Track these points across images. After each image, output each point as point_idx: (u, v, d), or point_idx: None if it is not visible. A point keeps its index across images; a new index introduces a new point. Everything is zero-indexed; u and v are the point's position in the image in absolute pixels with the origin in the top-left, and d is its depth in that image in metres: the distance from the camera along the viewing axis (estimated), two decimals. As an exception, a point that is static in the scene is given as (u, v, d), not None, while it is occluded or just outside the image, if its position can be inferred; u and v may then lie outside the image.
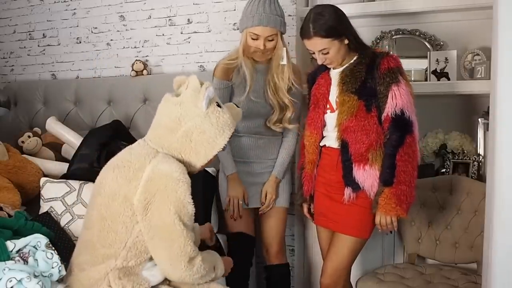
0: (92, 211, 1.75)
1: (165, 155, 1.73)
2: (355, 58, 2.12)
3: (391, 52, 2.19)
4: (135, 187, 1.66)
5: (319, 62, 2.12)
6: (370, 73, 2.05)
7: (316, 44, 2.05)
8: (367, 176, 2.05)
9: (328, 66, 2.16)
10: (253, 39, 2.26)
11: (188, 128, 1.74)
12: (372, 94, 2.04)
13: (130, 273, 1.70)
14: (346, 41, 2.07)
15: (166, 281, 1.83)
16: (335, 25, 2.03)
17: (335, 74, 2.16)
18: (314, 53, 2.10)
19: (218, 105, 1.80)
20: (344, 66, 2.13)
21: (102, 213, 1.69)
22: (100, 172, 1.81)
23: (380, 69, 2.03)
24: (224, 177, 2.48)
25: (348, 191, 2.09)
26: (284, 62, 2.30)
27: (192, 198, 1.74)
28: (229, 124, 1.81)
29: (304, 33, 2.07)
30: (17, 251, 1.72)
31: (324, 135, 2.20)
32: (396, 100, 1.99)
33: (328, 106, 2.17)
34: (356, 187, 2.07)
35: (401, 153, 1.99)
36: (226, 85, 2.36)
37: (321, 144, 2.21)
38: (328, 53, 2.06)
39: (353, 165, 2.07)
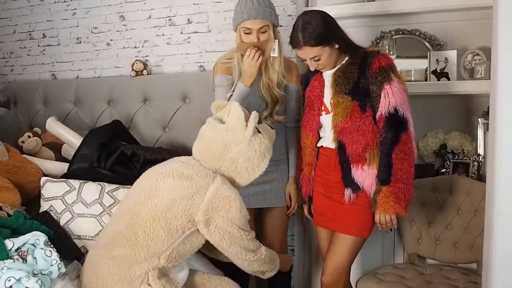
0: (140, 211, 1.85)
1: (223, 178, 1.90)
2: (346, 59, 2.12)
3: (381, 51, 2.18)
4: (199, 203, 1.82)
5: (312, 68, 2.13)
6: (362, 73, 2.05)
7: (307, 53, 2.06)
8: (366, 175, 2.06)
9: (322, 71, 2.17)
10: (246, 33, 2.28)
11: (234, 155, 1.90)
12: (365, 94, 2.05)
13: (165, 275, 1.81)
14: (337, 46, 2.07)
15: None
16: (323, 32, 2.03)
17: (327, 76, 2.16)
18: (306, 60, 2.11)
19: (258, 131, 1.93)
20: (336, 68, 2.13)
21: (157, 214, 1.82)
22: (147, 175, 1.97)
23: (372, 68, 2.03)
24: None
25: (348, 192, 2.09)
26: (275, 54, 2.29)
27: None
28: (269, 149, 1.97)
29: (293, 43, 2.08)
30: (16, 250, 1.72)
31: (321, 136, 2.21)
32: (389, 99, 2.00)
33: (323, 108, 2.17)
34: (356, 187, 2.08)
35: (396, 151, 1.99)
36: (229, 81, 2.37)
37: (318, 145, 2.21)
38: (319, 59, 2.07)
39: (351, 165, 2.07)
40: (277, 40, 2.28)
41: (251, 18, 2.24)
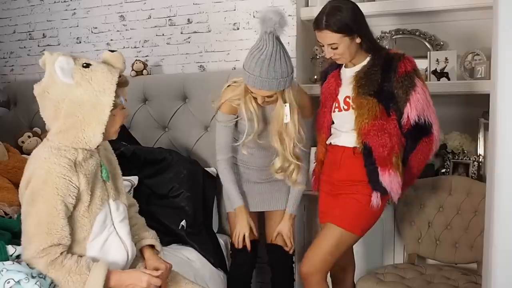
0: None
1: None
2: (368, 60, 2.08)
3: (406, 53, 2.09)
4: None
5: (327, 55, 2.08)
6: (387, 76, 2.01)
7: (326, 37, 2.01)
8: (392, 180, 2.03)
9: (336, 62, 2.13)
10: (252, 93, 2.15)
11: (67, 107, 1.67)
12: (390, 98, 2.01)
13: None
14: (358, 40, 2.03)
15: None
16: (349, 22, 1.98)
17: (347, 75, 2.13)
18: (323, 45, 2.06)
19: (86, 65, 1.66)
20: (358, 69, 2.08)
21: None
22: None
23: (398, 72, 1.99)
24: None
25: (376, 196, 2.04)
26: (287, 120, 2.16)
27: (192, 198, 1.70)
28: (108, 78, 1.65)
29: (316, 24, 2.03)
30: (17, 256, 1.72)
31: (331, 133, 2.19)
32: (413, 107, 1.98)
33: (336, 105, 2.14)
34: (384, 191, 2.05)
35: (418, 155, 2.07)
36: (231, 119, 2.29)
37: (327, 142, 2.20)
38: (337, 48, 2.02)
39: (378, 169, 2.03)
40: (287, 104, 2.13)
41: (256, 88, 2.08)
